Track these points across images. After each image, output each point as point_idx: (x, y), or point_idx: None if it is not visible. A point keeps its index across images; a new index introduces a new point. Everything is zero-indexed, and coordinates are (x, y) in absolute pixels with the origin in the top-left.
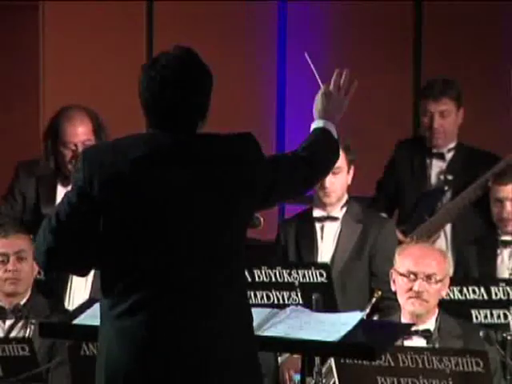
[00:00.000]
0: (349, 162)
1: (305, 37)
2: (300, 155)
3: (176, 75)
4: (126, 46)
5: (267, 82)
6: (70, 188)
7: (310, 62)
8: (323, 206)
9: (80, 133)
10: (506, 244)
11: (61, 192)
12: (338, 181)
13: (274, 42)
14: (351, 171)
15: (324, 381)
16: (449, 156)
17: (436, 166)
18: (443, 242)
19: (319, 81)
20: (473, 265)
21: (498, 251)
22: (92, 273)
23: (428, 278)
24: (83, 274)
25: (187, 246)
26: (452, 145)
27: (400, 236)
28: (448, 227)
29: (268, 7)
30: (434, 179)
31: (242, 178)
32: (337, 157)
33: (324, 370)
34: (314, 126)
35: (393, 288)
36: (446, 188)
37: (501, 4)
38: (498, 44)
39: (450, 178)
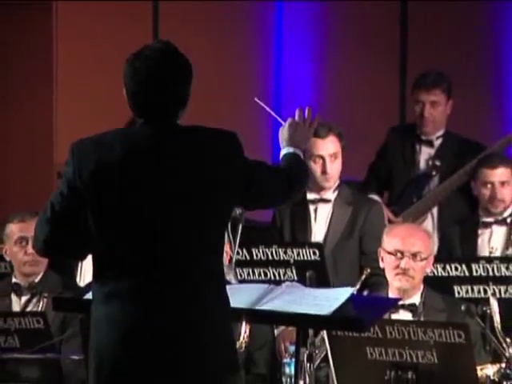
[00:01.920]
0: (342, 148)
1: (301, 33)
2: (280, 167)
3: (160, 66)
4: (134, 45)
5: (266, 81)
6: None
7: (262, 104)
8: (316, 189)
9: None
10: (487, 225)
11: None
12: (336, 166)
13: (273, 42)
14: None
15: (317, 351)
16: (437, 143)
17: (425, 153)
18: (430, 223)
19: (279, 118)
20: (456, 244)
21: (480, 232)
22: None
23: (414, 256)
24: (80, 259)
25: (172, 236)
26: (440, 133)
27: (391, 216)
28: (435, 209)
29: (268, 7)
30: (422, 164)
31: (220, 170)
32: (307, 179)
33: (317, 341)
34: (283, 152)
35: (381, 265)
36: (434, 173)
37: (482, 1)
38: (480, 37)
39: (437, 163)
